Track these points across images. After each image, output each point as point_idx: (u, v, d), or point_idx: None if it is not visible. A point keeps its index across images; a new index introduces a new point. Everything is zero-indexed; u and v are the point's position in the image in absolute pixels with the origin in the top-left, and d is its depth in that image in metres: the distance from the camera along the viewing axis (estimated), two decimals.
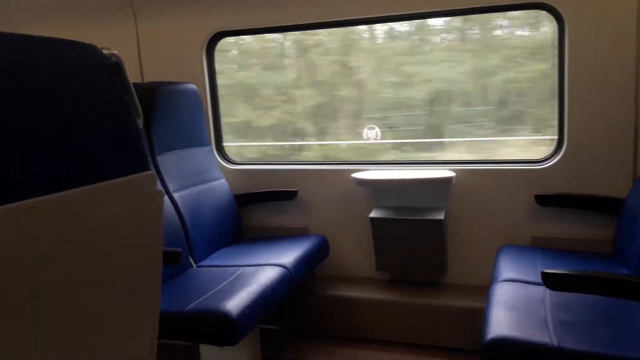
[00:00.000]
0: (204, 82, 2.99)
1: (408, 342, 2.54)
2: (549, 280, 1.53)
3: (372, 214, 2.62)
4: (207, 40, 2.95)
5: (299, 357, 2.47)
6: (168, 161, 2.61)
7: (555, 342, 1.55)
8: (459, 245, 2.66)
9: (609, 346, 1.52)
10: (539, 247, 2.47)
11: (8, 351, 0.69)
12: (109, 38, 2.98)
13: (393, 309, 2.56)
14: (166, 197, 2.51)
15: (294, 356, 2.48)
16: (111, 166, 0.87)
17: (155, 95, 2.53)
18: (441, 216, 2.51)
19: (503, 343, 1.57)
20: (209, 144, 2.95)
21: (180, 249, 2.02)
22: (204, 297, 2.07)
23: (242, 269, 2.37)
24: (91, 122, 0.84)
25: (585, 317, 1.73)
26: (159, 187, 2.46)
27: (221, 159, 3.07)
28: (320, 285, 2.78)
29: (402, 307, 2.55)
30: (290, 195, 2.88)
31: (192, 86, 2.80)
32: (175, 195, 2.56)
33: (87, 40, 0.93)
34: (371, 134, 3.09)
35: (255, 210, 3.02)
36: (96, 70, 0.90)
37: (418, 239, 2.56)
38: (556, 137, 2.48)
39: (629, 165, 2.34)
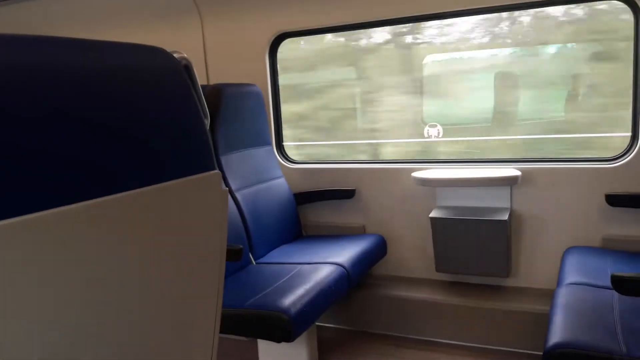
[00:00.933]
0: (267, 83, 3.05)
1: (468, 346, 2.48)
2: (619, 285, 1.45)
3: (433, 214, 2.58)
4: (271, 42, 3.01)
5: (355, 355, 2.47)
6: (231, 160, 2.68)
7: (624, 350, 1.46)
8: (523, 247, 2.57)
9: None
10: (609, 249, 2.34)
11: (68, 345, 0.73)
12: (177, 41, 3.13)
13: (452, 311, 2.51)
14: (229, 196, 2.59)
15: (350, 354, 2.48)
16: (180, 165, 0.90)
17: (220, 96, 2.61)
18: (505, 217, 2.43)
19: (568, 348, 1.50)
20: (270, 143, 3.00)
21: (241, 246, 2.07)
22: (262, 293, 2.11)
23: (300, 266, 2.39)
24: (163, 123, 0.88)
25: None
26: (224, 186, 2.54)
27: (281, 158, 3.12)
28: (377, 284, 2.76)
29: (462, 310, 2.49)
30: (349, 194, 2.89)
31: (256, 87, 2.87)
32: (237, 194, 2.63)
33: (156, 44, 0.98)
34: (432, 131, 3.04)
35: (314, 209, 3.04)
36: (168, 73, 0.94)
37: (480, 240, 2.49)
38: (630, 134, 2.34)
39: None
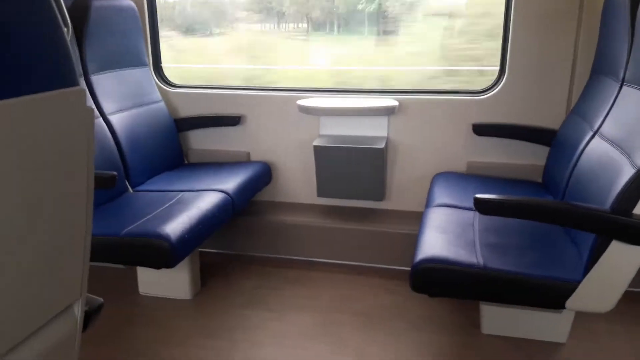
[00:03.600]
0: (142, 0, 2.80)
1: (345, 264, 2.64)
2: (479, 205, 1.60)
3: (316, 142, 2.62)
4: None
5: (238, 278, 2.52)
6: (103, 81, 2.48)
7: (481, 263, 1.64)
8: (397, 173, 2.72)
9: (532, 267, 1.63)
10: (473, 174, 2.57)
11: None
12: None
13: (331, 233, 2.63)
14: (100, 120, 2.41)
15: (233, 277, 2.52)
16: (35, 79, 0.80)
17: (88, 10, 2.36)
18: (382, 145, 2.54)
19: (432, 263, 1.64)
20: (146, 64, 2.81)
21: (115, 173, 1.96)
22: (140, 221, 2.04)
23: (182, 194, 2.34)
24: (14, 31, 0.76)
25: (512, 240, 1.83)
26: (90, 104, 2.35)
27: (160, 81, 2.94)
28: (261, 211, 2.80)
29: (341, 232, 2.62)
30: (233, 121, 2.82)
31: (130, 3, 2.63)
32: (112, 118, 2.45)
33: None
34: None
35: (197, 135, 2.95)
36: None
37: (359, 167, 2.60)
38: (498, 67, 2.52)
39: (563, 98, 2.42)
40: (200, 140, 2.95)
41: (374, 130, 2.68)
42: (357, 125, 2.68)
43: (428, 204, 2.25)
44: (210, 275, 2.52)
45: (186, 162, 2.97)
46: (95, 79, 2.44)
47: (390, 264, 2.58)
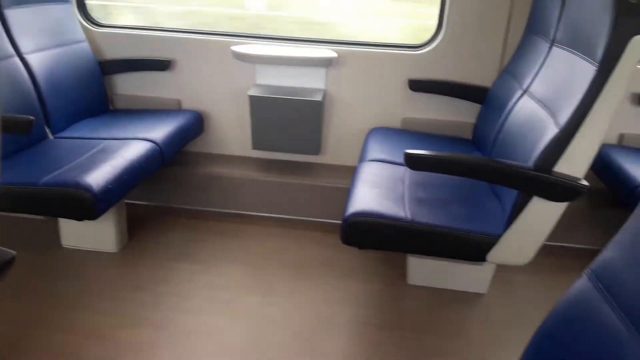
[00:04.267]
0: None
1: (278, 217, 2.62)
2: (409, 161, 1.61)
3: (251, 92, 2.54)
4: None
5: (167, 230, 2.46)
6: (19, 16, 2.27)
7: (409, 217, 1.66)
8: (333, 127, 2.70)
9: (456, 221, 1.68)
10: (407, 130, 2.59)
11: None
12: None
13: (265, 186, 2.60)
14: (16, 59, 2.21)
15: (162, 230, 2.46)
16: None
17: None
18: (320, 97, 2.50)
19: (362, 216, 1.65)
20: (69, 0, 2.59)
21: (32, 117, 1.82)
22: (61, 169, 1.92)
23: (107, 142, 2.21)
24: None
25: (439, 195, 1.87)
26: (4, 42, 2.16)
27: (84, 20, 2.72)
28: (193, 162, 2.71)
29: (275, 185, 2.59)
30: (163, 66, 2.68)
31: None
32: (29, 57, 2.26)
33: None
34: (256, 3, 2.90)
35: (123, 80, 2.78)
36: None
37: (296, 119, 2.55)
38: (436, 22, 2.50)
39: (497, 57, 2.45)
40: (127, 86, 2.79)
41: (312, 82, 2.62)
42: (295, 75, 2.62)
43: (362, 158, 2.25)
44: (138, 228, 2.44)
45: (111, 108, 2.81)
46: (11, 13, 2.23)
47: (323, 218, 2.60)
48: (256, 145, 2.65)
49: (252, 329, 1.85)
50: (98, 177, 1.86)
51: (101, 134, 2.32)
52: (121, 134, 2.30)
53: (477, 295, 2.07)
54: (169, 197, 2.68)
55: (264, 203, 2.62)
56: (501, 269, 2.14)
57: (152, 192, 2.67)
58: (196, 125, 2.66)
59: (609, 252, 0.78)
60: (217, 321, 1.88)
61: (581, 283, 0.80)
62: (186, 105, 2.77)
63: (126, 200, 2.33)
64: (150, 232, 2.43)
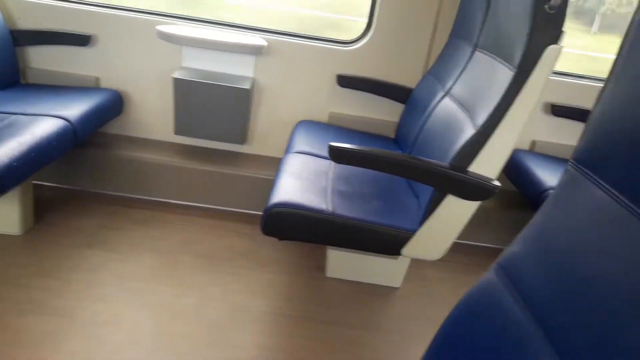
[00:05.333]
0: None
1: (201, 206, 2.56)
2: (333, 153, 1.61)
3: (176, 74, 2.45)
4: None
5: (80, 215, 2.33)
6: None
7: (330, 209, 1.67)
8: (261, 117, 2.67)
9: (374, 215, 1.71)
10: (333, 124, 2.61)
11: None
12: None
13: (188, 174, 2.52)
14: None
15: (74, 214, 2.32)
16: None
17: None
18: (248, 85, 2.46)
19: (284, 207, 1.64)
20: None
21: None
22: None
23: (14, 117, 2.05)
24: None
25: (361, 189, 1.90)
26: None
27: None
28: (110, 144, 2.58)
29: (198, 173, 2.52)
30: (82, 41, 2.52)
31: None
32: None
33: None
34: None
35: (38, 53, 2.59)
36: None
37: (222, 107, 2.49)
38: (366, 20, 2.54)
39: (422, 59, 2.52)
40: (42, 59, 2.60)
41: (241, 69, 2.57)
42: (223, 61, 2.55)
43: (287, 150, 2.24)
44: (47, 211, 2.29)
45: (23, 82, 2.62)
46: None
47: (246, 209, 2.56)
48: (179, 131, 2.56)
49: (163, 320, 1.79)
50: (1, 153, 1.73)
51: (8, 108, 2.15)
52: (31, 110, 2.15)
53: (392, 289, 2.12)
54: (84, 180, 2.54)
55: (184, 191, 2.55)
56: (415, 263, 2.21)
57: (65, 173, 2.51)
58: (115, 105, 2.54)
59: (515, 247, 0.82)
60: (128, 311, 1.80)
61: (488, 276, 0.84)
62: (105, 84, 2.63)
63: (35, 181, 2.18)
64: (60, 216, 2.29)
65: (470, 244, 2.54)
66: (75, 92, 2.44)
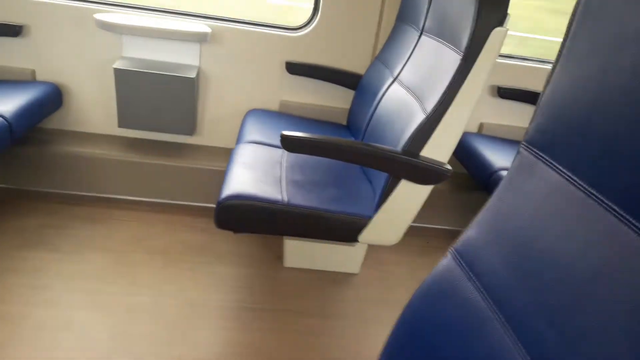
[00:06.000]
0: None
1: (149, 201, 2.48)
2: (285, 142, 1.59)
3: (117, 65, 2.34)
4: None
5: (18, 215, 2.20)
6: None
7: (285, 199, 1.65)
8: (209, 107, 2.60)
9: (330, 203, 1.70)
10: (284, 113, 2.57)
11: None
12: None
13: (134, 168, 2.43)
14: None
15: (13, 216, 2.20)
16: None
17: None
18: (193, 74, 2.38)
19: (238, 199, 1.61)
20: None
21: None
22: None
23: None
24: None
25: (315, 178, 1.88)
26: None
27: None
28: (48, 140, 2.45)
29: (145, 167, 2.43)
30: (14, 31, 2.37)
31: None
32: None
33: None
34: None
35: None
36: None
37: (167, 97, 2.41)
38: (312, 5, 2.50)
39: (370, 44, 2.52)
40: None
41: (185, 57, 2.49)
42: (166, 50, 2.46)
43: (238, 140, 2.19)
44: None
45: None
46: None
47: (198, 202, 2.50)
48: (122, 123, 2.46)
49: (118, 321, 1.73)
50: None
51: None
52: None
53: (351, 276, 2.13)
54: (21, 179, 2.40)
55: (131, 186, 2.46)
56: (373, 249, 2.22)
57: (1, 173, 2.37)
58: (53, 98, 2.41)
59: (471, 231, 0.82)
60: (78, 314, 1.73)
61: (446, 261, 0.84)
62: (41, 76, 2.49)
63: None
64: None
65: (424, 227, 2.58)
66: (9, 86, 2.30)
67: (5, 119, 1.99)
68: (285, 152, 2.05)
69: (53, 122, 2.55)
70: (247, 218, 1.65)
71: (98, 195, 2.45)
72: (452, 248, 0.85)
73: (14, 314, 1.68)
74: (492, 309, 0.71)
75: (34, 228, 2.14)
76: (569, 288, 0.62)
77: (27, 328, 1.64)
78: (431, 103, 1.60)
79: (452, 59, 1.58)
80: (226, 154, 2.57)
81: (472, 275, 0.78)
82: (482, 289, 0.75)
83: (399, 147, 1.63)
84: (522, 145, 0.78)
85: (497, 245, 0.76)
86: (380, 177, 1.72)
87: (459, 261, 0.82)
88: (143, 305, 1.81)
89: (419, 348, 0.82)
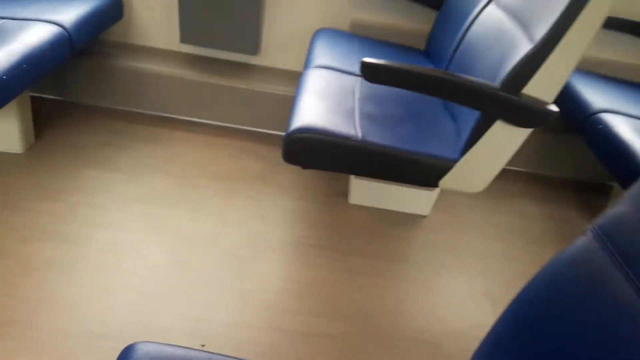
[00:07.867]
0: None
1: (210, 124, 2.37)
2: (367, 70, 1.39)
3: None
4: None
5: (80, 131, 2.15)
6: None
7: (360, 136, 1.49)
8: (276, 25, 2.40)
9: (411, 143, 1.52)
10: (355, 34, 2.34)
11: None
12: None
13: (196, 87, 2.30)
14: None
15: (74, 129, 2.15)
16: None
17: None
18: None
19: (309, 132, 1.46)
20: None
21: None
22: None
23: (2, 21, 1.82)
24: None
25: (392, 112, 1.69)
26: None
27: None
28: (109, 53, 2.34)
29: (207, 87, 2.30)
30: None
31: None
32: None
33: None
34: None
35: None
36: None
37: (231, 12, 2.22)
38: None
39: None
40: None
41: None
42: None
43: (307, 64, 2.00)
44: (46, 127, 2.12)
45: None
46: None
47: (261, 127, 2.37)
48: (185, 39, 2.31)
49: (176, 247, 1.67)
50: None
51: None
52: (20, 13, 1.90)
53: (420, 218, 1.99)
54: (83, 93, 2.34)
55: (193, 106, 2.35)
56: (445, 191, 2.05)
57: (63, 85, 2.31)
58: (114, 9, 2.26)
59: (622, 207, 0.65)
60: (137, 237, 1.69)
61: (585, 241, 0.67)
62: None
63: (32, 94, 1.98)
64: (60, 132, 2.12)
65: (504, 168, 2.37)
66: None
67: (65, 29, 1.87)
68: (358, 79, 1.85)
69: (114, 34, 2.42)
70: (317, 154, 1.50)
71: (157, 114, 2.36)
72: (593, 225, 0.68)
73: (76, 234, 1.66)
74: None
75: (97, 146, 2.09)
76: None
77: (85, 249, 1.61)
78: (541, 30, 1.35)
79: None
80: (291, 78, 2.40)
81: (622, 262, 0.61)
82: (636, 281, 0.59)
83: (497, 82, 1.41)
84: None
85: None
86: (469, 115, 1.51)
87: (605, 242, 0.64)
88: (202, 232, 1.75)
89: (539, 355, 0.67)
